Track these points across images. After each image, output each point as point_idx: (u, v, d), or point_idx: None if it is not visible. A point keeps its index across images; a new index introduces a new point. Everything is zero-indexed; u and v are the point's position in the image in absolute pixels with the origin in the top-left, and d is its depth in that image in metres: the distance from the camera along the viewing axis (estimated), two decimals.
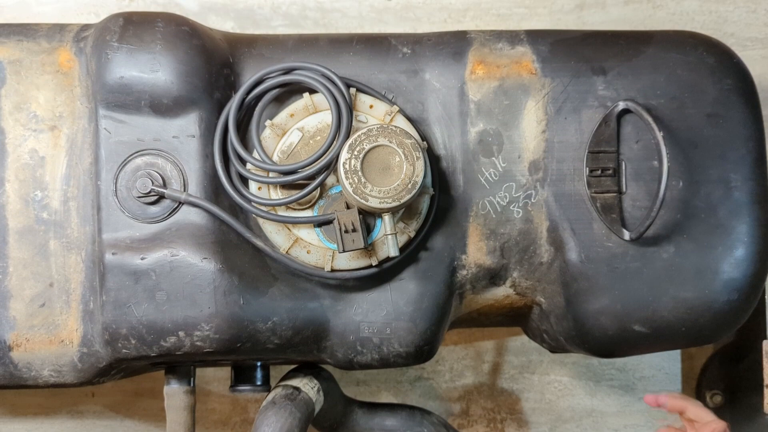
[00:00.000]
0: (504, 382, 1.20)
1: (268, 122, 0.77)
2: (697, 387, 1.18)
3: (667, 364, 1.20)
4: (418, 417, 0.96)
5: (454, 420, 1.22)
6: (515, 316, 0.90)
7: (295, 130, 0.77)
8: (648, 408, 1.19)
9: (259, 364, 0.84)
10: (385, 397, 1.22)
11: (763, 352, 1.05)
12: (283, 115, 0.77)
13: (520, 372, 1.21)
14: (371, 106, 0.78)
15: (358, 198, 0.71)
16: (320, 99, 0.77)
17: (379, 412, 0.95)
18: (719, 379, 1.17)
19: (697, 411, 0.86)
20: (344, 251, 0.73)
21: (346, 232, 0.73)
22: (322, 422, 0.89)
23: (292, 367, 0.89)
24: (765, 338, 1.08)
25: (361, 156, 0.71)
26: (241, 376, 0.84)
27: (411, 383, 1.22)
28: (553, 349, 0.94)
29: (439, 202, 0.79)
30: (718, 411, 1.16)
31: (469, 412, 1.22)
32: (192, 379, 0.81)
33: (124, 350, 0.75)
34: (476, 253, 0.81)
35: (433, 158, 0.79)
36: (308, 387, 0.82)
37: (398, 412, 0.95)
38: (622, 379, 1.20)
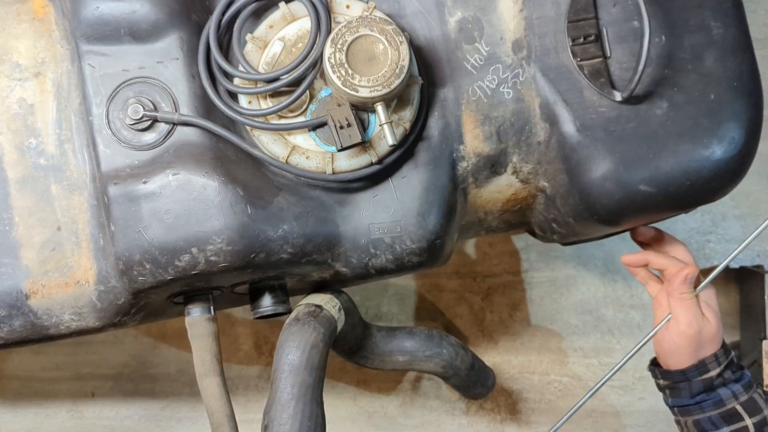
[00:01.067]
0: (504, 382, 1.21)
1: (248, 36, 0.77)
2: None
3: None
4: (437, 339, 0.96)
5: (454, 420, 1.22)
6: (521, 212, 0.91)
7: (276, 41, 0.77)
8: (648, 408, 1.20)
9: (276, 284, 0.84)
10: (386, 398, 1.23)
11: (763, 352, 1.06)
12: (262, 28, 0.78)
13: (520, 372, 1.21)
14: (348, 6, 0.78)
15: (348, 90, 0.72)
16: (296, 6, 0.77)
17: (398, 335, 0.95)
18: None
19: (672, 261, 0.87)
20: (342, 148, 0.74)
21: (342, 128, 0.73)
22: (342, 344, 0.90)
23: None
24: (765, 338, 1.10)
25: (344, 48, 0.72)
26: (260, 299, 0.84)
27: (411, 383, 1.23)
28: (565, 239, 0.95)
29: (429, 94, 0.79)
30: None
31: (469, 412, 1.22)
32: (211, 307, 0.82)
33: (140, 278, 0.75)
34: (473, 141, 0.81)
35: (416, 51, 0.79)
36: (330, 305, 0.83)
37: (416, 335, 0.95)
38: (622, 379, 1.21)
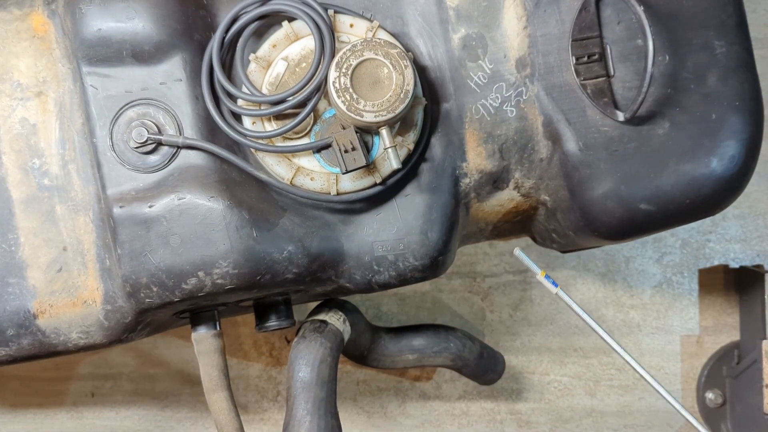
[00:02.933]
0: (504, 381, 1.21)
1: (252, 56, 0.77)
2: (697, 387, 1.20)
3: (667, 364, 1.21)
4: (443, 333, 0.99)
5: (454, 420, 1.23)
6: (522, 222, 0.91)
7: (279, 61, 0.77)
8: (648, 408, 1.21)
9: (281, 299, 0.85)
10: (386, 397, 1.24)
11: (763, 352, 1.07)
12: (265, 47, 0.77)
13: (520, 372, 1.22)
14: (351, 25, 0.78)
15: (352, 115, 0.72)
16: (299, 25, 0.77)
17: (405, 334, 0.98)
18: (719, 379, 1.18)
19: None
20: (347, 171, 0.74)
21: (346, 152, 0.73)
22: (353, 351, 0.91)
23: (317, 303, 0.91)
24: (765, 338, 1.10)
25: (349, 73, 0.72)
26: (265, 315, 0.85)
27: (411, 383, 1.23)
28: (564, 249, 0.95)
29: (432, 113, 0.79)
30: (718, 410, 1.17)
31: (469, 412, 1.23)
32: (217, 323, 0.83)
33: (147, 299, 0.76)
34: (476, 159, 0.82)
35: (420, 70, 0.79)
36: (334, 319, 0.85)
37: (423, 332, 0.98)
38: (621, 379, 1.22)
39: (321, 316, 0.85)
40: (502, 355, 1.07)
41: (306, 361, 0.80)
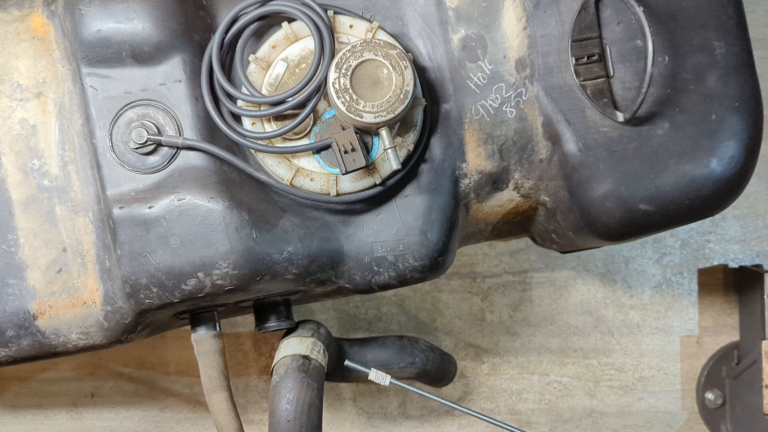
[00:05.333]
0: (504, 382, 1.21)
1: (251, 57, 0.77)
2: (696, 387, 1.20)
3: (667, 364, 1.21)
4: (409, 348, 0.96)
5: (454, 420, 1.23)
6: (522, 223, 0.91)
7: (279, 61, 0.77)
8: (648, 408, 1.22)
9: (281, 300, 0.85)
10: (386, 398, 1.24)
11: (763, 352, 1.07)
12: (265, 48, 0.78)
13: (519, 372, 1.22)
14: (351, 26, 0.78)
15: (352, 116, 0.72)
16: (299, 26, 0.77)
17: (370, 348, 0.93)
18: (719, 379, 1.18)
19: None
20: (347, 172, 0.74)
21: (346, 152, 0.73)
22: None
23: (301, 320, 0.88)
24: (765, 338, 1.10)
25: (349, 73, 0.72)
26: (265, 316, 0.85)
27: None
28: (563, 249, 0.95)
29: (432, 114, 0.79)
30: (718, 411, 1.17)
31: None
32: (217, 323, 0.83)
33: (147, 300, 0.76)
34: (476, 160, 0.82)
35: (420, 70, 0.79)
36: (315, 351, 0.80)
37: (389, 346, 0.94)
38: (621, 380, 1.22)
39: (302, 350, 0.79)
40: (455, 360, 1.06)
41: (293, 406, 0.73)
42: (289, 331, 0.85)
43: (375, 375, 0.85)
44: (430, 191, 0.80)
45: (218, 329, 0.82)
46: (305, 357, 0.78)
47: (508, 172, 0.83)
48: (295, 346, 0.80)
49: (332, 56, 0.74)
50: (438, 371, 0.99)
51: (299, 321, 0.86)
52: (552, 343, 1.24)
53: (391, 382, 0.86)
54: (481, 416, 0.90)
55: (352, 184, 0.77)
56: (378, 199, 0.79)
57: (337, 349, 0.87)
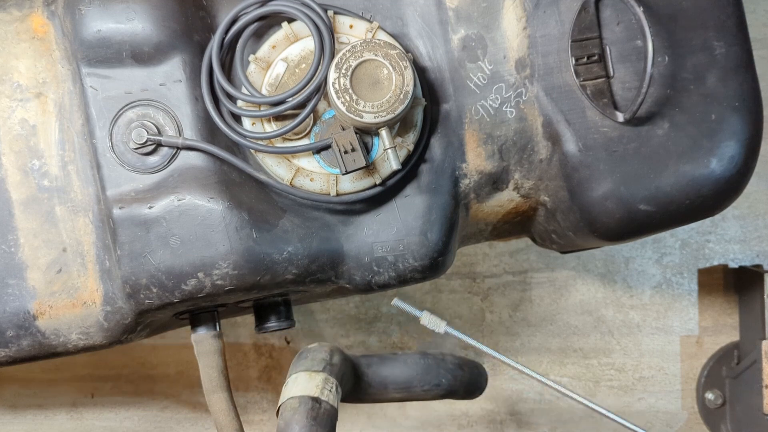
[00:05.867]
0: (504, 382, 1.22)
1: (251, 57, 0.77)
2: (696, 387, 1.20)
3: (667, 364, 1.21)
4: (434, 369, 0.87)
5: (454, 421, 1.23)
6: (522, 223, 0.91)
7: (279, 61, 0.77)
8: (648, 408, 1.22)
9: (280, 300, 0.85)
10: None
11: (763, 353, 1.07)
12: (265, 48, 0.78)
13: (519, 372, 1.22)
14: (351, 26, 0.78)
15: (352, 116, 0.72)
16: (299, 26, 0.77)
17: (390, 369, 0.85)
18: (719, 379, 1.18)
19: None
20: (347, 172, 0.74)
21: (346, 152, 0.73)
22: None
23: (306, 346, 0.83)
24: (765, 338, 1.10)
25: (349, 74, 0.72)
26: (265, 316, 0.85)
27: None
28: (563, 249, 0.95)
29: (432, 114, 0.79)
30: (718, 411, 1.17)
31: (469, 412, 1.23)
32: (217, 324, 0.83)
33: (147, 300, 0.76)
34: (476, 160, 0.82)
35: (420, 71, 0.79)
36: (326, 390, 0.72)
37: (411, 367, 0.86)
38: (621, 380, 1.22)
39: (311, 390, 0.70)
40: (485, 372, 0.96)
41: None
42: (299, 356, 0.77)
43: (428, 320, 0.81)
44: (430, 191, 0.80)
45: (218, 329, 0.82)
46: (315, 399, 0.70)
47: (508, 173, 0.83)
48: (304, 385, 0.72)
49: (332, 56, 0.74)
50: (467, 388, 0.91)
51: (310, 346, 0.80)
52: (552, 343, 1.24)
53: (446, 330, 0.82)
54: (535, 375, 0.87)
55: (352, 184, 0.77)
56: (378, 199, 0.79)
57: (352, 371, 0.81)
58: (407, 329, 1.25)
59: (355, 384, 0.80)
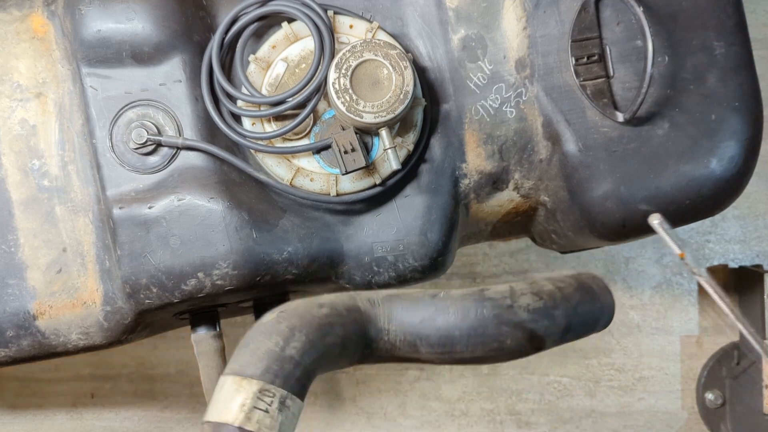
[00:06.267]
0: (504, 382, 1.21)
1: (251, 57, 0.77)
2: (696, 387, 1.20)
3: (667, 364, 1.21)
4: (491, 323, 0.59)
5: (454, 420, 1.23)
6: (522, 223, 0.91)
7: (279, 62, 0.77)
8: (648, 408, 1.22)
9: (280, 300, 0.85)
10: (386, 398, 1.24)
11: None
12: (265, 48, 0.78)
13: (519, 372, 1.22)
14: (351, 26, 0.78)
15: (352, 116, 0.72)
16: (299, 26, 0.77)
17: (420, 314, 0.58)
18: (719, 379, 1.18)
19: None
20: (347, 172, 0.74)
21: (346, 153, 0.74)
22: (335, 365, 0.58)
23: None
24: (765, 338, 1.11)
25: (349, 74, 0.72)
26: (262, 314, 0.85)
27: (411, 383, 1.23)
28: (563, 249, 0.95)
29: (432, 114, 0.79)
30: (718, 411, 1.17)
31: (469, 413, 1.23)
32: (217, 324, 0.83)
33: (147, 300, 0.76)
34: (476, 160, 0.82)
35: (420, 71, 0.79)
36: (259, 414, 0.49)
37: (453, 316, 0.58)
38: (621, 380, 1.22)
39: (233, 412, 0.47)
40: (609, 296, 0.64)
41: None
42: (243, 340, 0.53)
43: (690, 258, 0.59)
44: (430, 191, 0.80)
45: (218, 329, 0.82)
46: (240, 430, 0.47)
47: (508, 173, 0.83)
48: (226, 401, 0.49)
49: (332, 56, 0.74)
50: (565, 335, 0.62)
51: (265, 318, 0.57)
52: None
53: (703, 280, 0.61)
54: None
55: (352, 184, 0.78)
56: (378, 199, 0.79)
57: (355, 338, 0.57)
58: None
59: (366, 346, 0.58)
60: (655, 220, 0.61)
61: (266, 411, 0.49)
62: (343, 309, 0.56)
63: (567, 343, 0.64)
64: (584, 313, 0.63)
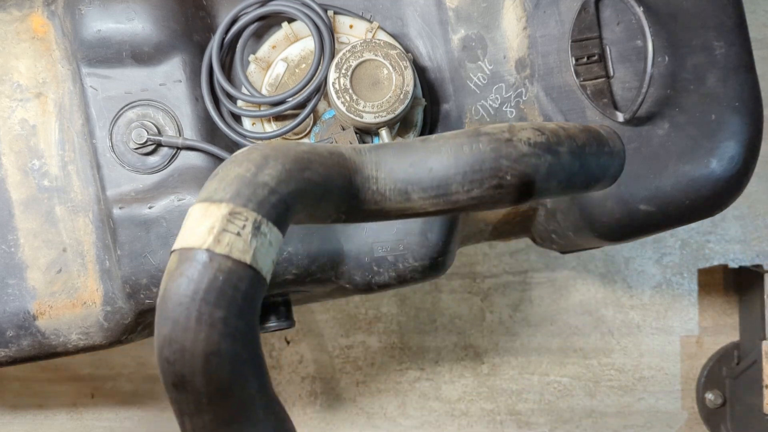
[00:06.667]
0: (504, 382, 1.22)
1: (251, 57, 0.77)
2: (696, 387, 1.20)
3: (667, 364, 1.21)
4: (489, 157, 0.53)
5: (454, 420, 1.23)
6: (522, 223, 0.91)
7: (279, 62, 0.77)
8: (648, 408, 1.22)
9: (281, 300, 0.85)
10: (386, 398, 1.24)
11: (763, 353, 1.07)
12: (265, 48, 0.78)
13: (519, 372, 1.22)
14: (351, 26, 0.78)
15: (352, 116, 0.72)
16: (299, 26, 0.77)
17: (410, 157, 0.52)
18: (719, 379, 1.18)
19: None
20: None
21: None
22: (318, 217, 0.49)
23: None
24: (765, 338, 1.11)
25: (349, 74, 0.72)
26: (264, 315, 0.85)
27: (411, 383, 1.23)
28: (563, 249, 0.95)
29: (432, 114, 0.80)
30: (718, 411, 1.17)
31: (469, 413, 1.23)
32: None
33: (147, 300, 0.76)
34: None
35: (420, 71, 0.79)
36: (229, 237, 0.43)
37: (447, 154, 0.52)
38: (621, 380, 1.22)
39: (203, 235, 0.42)
40: (619, 140, 0.58)
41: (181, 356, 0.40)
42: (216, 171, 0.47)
43: None
44: None
45: None
46: (203, 256, 0.41)
47: None
48: (192, 227, 0.43)
49: (332, 56, 0.74)
50: (571, 181, 0.55)
51: (242, 149, 0.50)
52: (552, 343, 1.24)
53: None
54: None
55: None
56: None
57: (337, 184, 0.50)
58: (406, 331, 1.25)
59: (352, 196, 0.51)
60: None
61: (238, 234, 0.44)
62: (325, 151, 0.50)
63: (574, 194, 0.54)
64: (591, 155, 0.55)
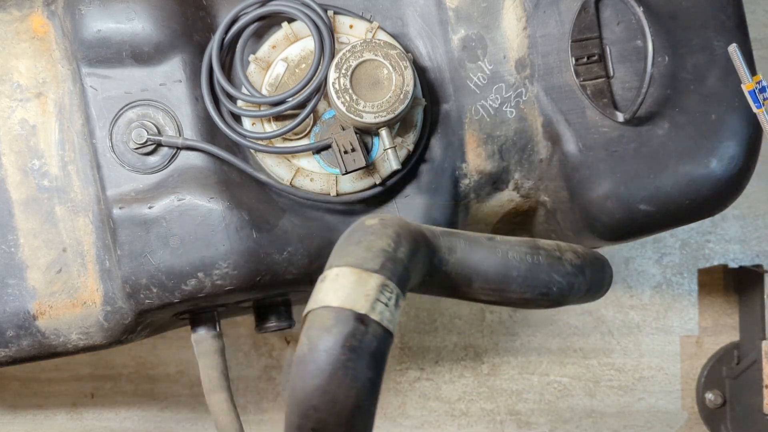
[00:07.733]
0: (503, 382, 1.21)
1: (251, 57, 0.77)
2: (696, 387, 1.20)
3: (667, 364, 1.21)
4: (545, 270, 0.65)
5: (454, 420, 1.23)
6: (522, 223, 0.91)
7: (279, 62, 0.78)
8: (648, 408, 1.22)
9: (280, 300, 0.85)
10: (385, 398, 1.24)
11: (763, 353, 1.07)
12: (265, 48, 0.78)
13: (519, 372, 1.22)
14: (351, 26, 0.78)
15: (352, 116, 0.72)
16: (299, 26, 0.77)
17: (480, 255, 0.60)
18: (719, 379, 1.18)
19: None
20: (347, 172, 0.74)
21: (346, 152, 0.74)
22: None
23: None
24: (765, 338, 1.11)
25: (349, 73, 0.72)
26: (265, 316, 0.85)
27: (411, 383, 1.23)
28: None
29: (432, 114, 0.80)
30: (718, 411, 1.17)
31: (469, 413, 1.23)
32: (217, 324, 0.83)
33: (147, 300, 0.76)
34: (476, 160, 0.82)
35: (420, 71, 0.79)
36: (380, 306, 0.47)
37: (512, 262, 0.62)
38: (621, 380, 1.22)
39: (359, 300, 0.47)
40: (610, 267, 0.73)
41: (326, 407, 0.45)
42: (348, 236, 0.52)
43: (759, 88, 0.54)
44: (430, 191, 0.80)
45: (218, 329, 0.83)
46: (361, 319, 0.46)
47: (508, 173, 0.83)
48: (348, 290, 0.48)
49: (332, 56, 0.74)
50: (581, 296, 0.70)
51: (368, 222, 0.55)
52: (552, 343, 1.24)
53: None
54: None
55: (352, 185, 0.78)
56: (378, 199, 0.79)
57: (427, 261, 0.57)
58: (408, 331, 1.25)
59: (428, 273, 0.57)
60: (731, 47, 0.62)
61: (386, 305, 0.49)
62: (419, 230, 0.57)
63: (578, 304, 0.71)
64: (599, 276, 0.70)
